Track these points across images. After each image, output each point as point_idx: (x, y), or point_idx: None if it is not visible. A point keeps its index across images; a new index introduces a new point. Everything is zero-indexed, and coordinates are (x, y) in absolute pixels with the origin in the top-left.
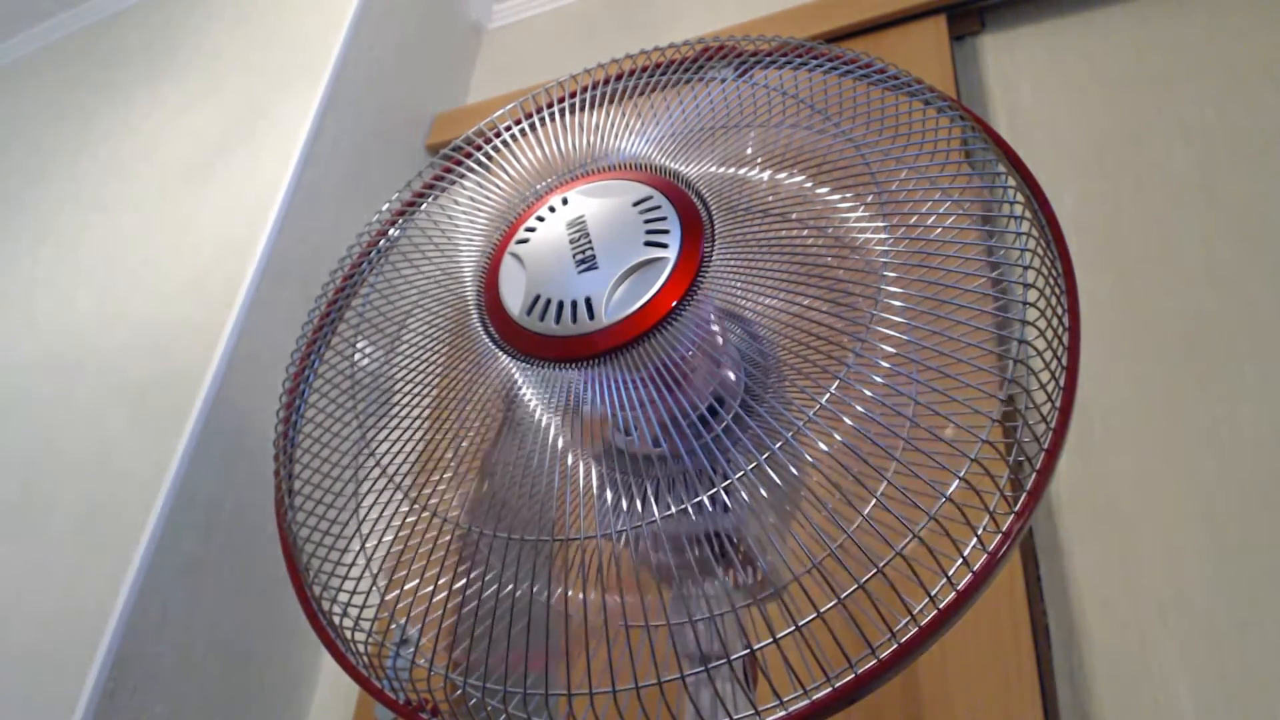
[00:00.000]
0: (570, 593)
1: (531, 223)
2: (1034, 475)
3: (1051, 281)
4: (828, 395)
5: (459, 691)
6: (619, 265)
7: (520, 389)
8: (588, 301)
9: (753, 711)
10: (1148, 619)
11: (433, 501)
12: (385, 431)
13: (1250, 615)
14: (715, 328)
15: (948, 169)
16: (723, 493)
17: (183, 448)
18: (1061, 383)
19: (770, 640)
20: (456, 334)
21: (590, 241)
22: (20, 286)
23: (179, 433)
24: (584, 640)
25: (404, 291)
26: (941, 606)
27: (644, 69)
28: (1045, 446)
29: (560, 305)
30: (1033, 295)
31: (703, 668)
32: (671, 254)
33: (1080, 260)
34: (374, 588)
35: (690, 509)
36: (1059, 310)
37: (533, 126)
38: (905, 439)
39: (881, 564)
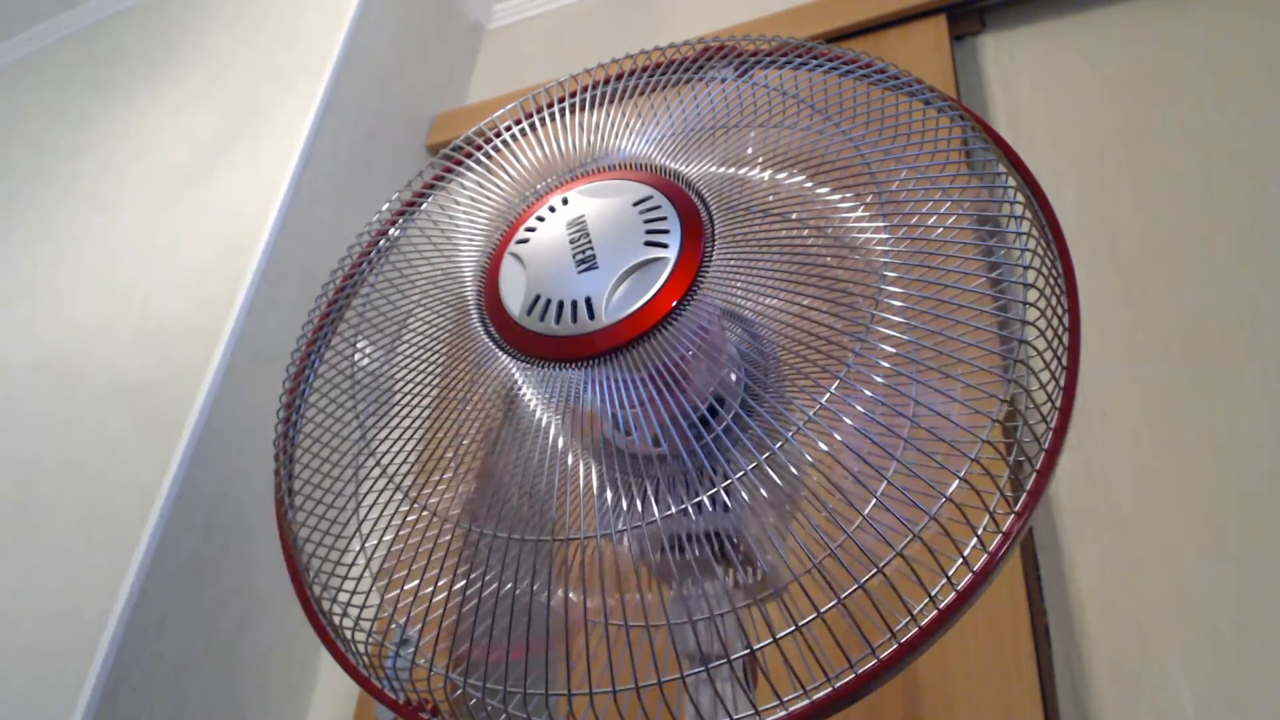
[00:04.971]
0: (570, 593)
1: (532, 223)
2: (1034, 475)
3: (1051, 281)
4: (828, 395)
5: (459, 691)
6: (619, 265)
7: (520, 389)
8: (588, 301)
9: (753, 711)
10: (1148, 619)
11: (433, 501)
12: (385, 431)
13: (1250, 615)
14: (715, 328)
15: (948, 169)
16: (723, 493)
17: (183, 448)
18: (1061, 383)
19: (770, 640)
20: (457, 334)
21: (590, 241)
22: (20, 286)
23: (179, 433)
24: (584, 640)
25: (404, 291)
26: (941, 606)
27: (644, 69)
28: (1045, 446)
29: (560, 305)
30: (1033, 295)
31: (703, 668)
32: (672, 254)
33: (1080, 260)
34: (374, 588)
35: (690, 509)
36: (1059, 310)
37: (533, 126)
38: (905, 439)
39: (882, 564)
